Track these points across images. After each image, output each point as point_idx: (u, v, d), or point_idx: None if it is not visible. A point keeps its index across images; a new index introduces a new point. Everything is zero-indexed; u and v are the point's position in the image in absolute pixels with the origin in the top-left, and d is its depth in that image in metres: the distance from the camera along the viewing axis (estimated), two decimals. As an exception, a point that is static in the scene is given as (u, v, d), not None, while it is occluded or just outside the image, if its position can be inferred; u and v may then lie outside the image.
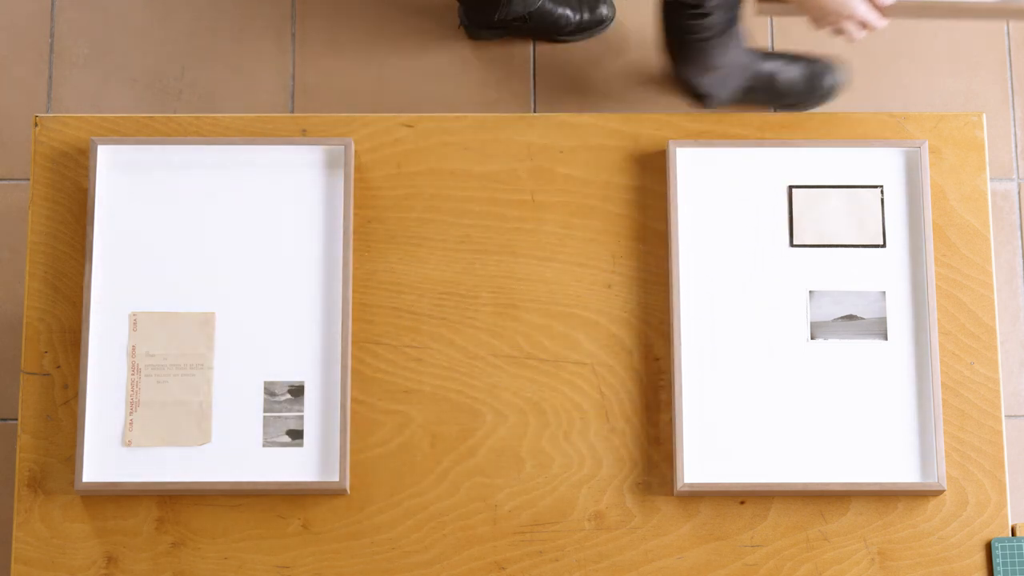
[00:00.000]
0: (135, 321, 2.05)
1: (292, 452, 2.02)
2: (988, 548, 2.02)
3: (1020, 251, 2.76)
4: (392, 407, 2.06)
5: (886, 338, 2.06)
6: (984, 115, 2.15)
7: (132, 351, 2.05)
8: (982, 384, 2.06)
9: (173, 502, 2.03)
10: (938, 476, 2.01)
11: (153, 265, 2.07)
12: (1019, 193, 2.79)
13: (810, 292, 2.08)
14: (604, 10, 2.80)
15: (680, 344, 2.05)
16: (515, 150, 2.13)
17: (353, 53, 2.82)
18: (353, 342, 2.06)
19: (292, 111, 2.79)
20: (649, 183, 2.11)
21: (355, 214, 2.10)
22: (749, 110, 2.71)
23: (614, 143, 2.13)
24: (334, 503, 2.03)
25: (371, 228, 2.10)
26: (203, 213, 2.08)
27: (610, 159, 2.13)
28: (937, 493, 2.03)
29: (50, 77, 2.81)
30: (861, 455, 2.03)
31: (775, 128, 2.14)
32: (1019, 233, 2.77)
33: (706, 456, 2.03)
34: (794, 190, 2.10)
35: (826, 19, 2.03)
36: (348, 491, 2.02)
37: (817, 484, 2.01)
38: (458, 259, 2.10)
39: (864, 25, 2.05)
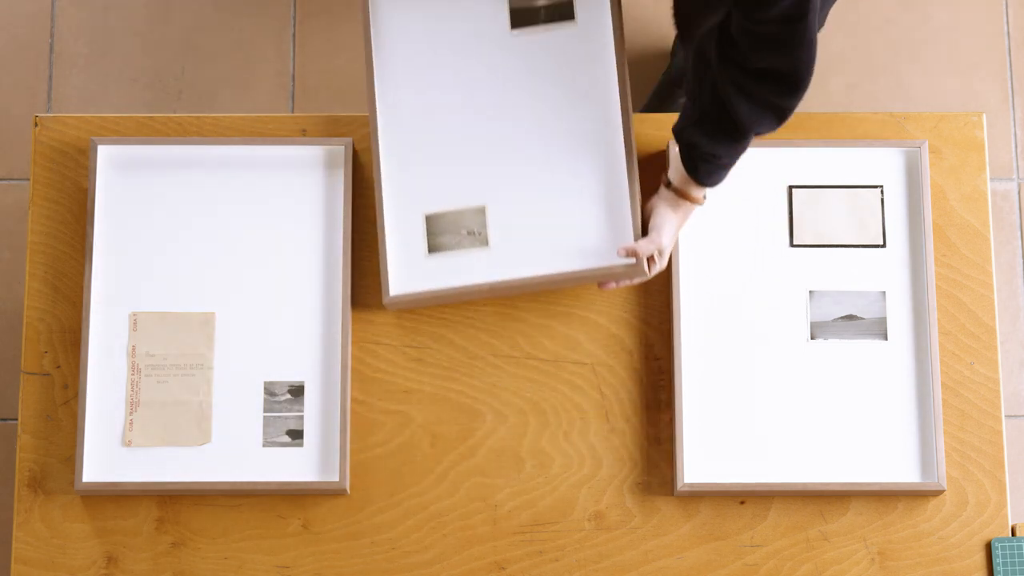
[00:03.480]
0: (135, 321, 2.05)
1: (292, 452, 2.02)
2: (988, 548, 2.02)
3: (1020, 251, 2.76)
4: (392, 407, 2.06)
5: (886, 338, 2.06)
6: (984, 115, 2.15)
7: (132, 351, 2.05)
8: (982, 384, 2.06)
9: (173, 502, 2.03)
10: (938, 476, 2.01)
11: (153, 265, 2.07)
12: (1019, 193, 2.79)
13: (810, 292, 2.08)
14: None
15: (680, 344, 2.05)
16: (515, 150, 2.13)
17: (353, 53, 2.82)
18: (353, 342, 2.06)
19: (292, 111, 2.79)
20: (649, 183, 2.11)
21: (355, 214, 2.10)
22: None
23: (614, 143, 2.13)
24: (334, 503, 2.03)
25: (371, 228, 2.10)
26: (203, 213, 2.08)
27: (610, 159, 2.13)
28: (937, 493, 2.03)
29: (50, 77, 2.81)
30: (861, 455, 2.03)
31: (775, 128, 2.14)
32: (1019, 233, 2.77)
33: (706, 456, 2.03)
34: (794, 190, 2.10)
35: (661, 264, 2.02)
36: (348, 491, 2.02)
37: (817, 484, 2.01)
38: (458, 259, 2.10)
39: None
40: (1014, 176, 2.80)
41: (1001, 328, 2.71)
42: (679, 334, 2.05)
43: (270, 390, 2.04)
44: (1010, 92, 2.82)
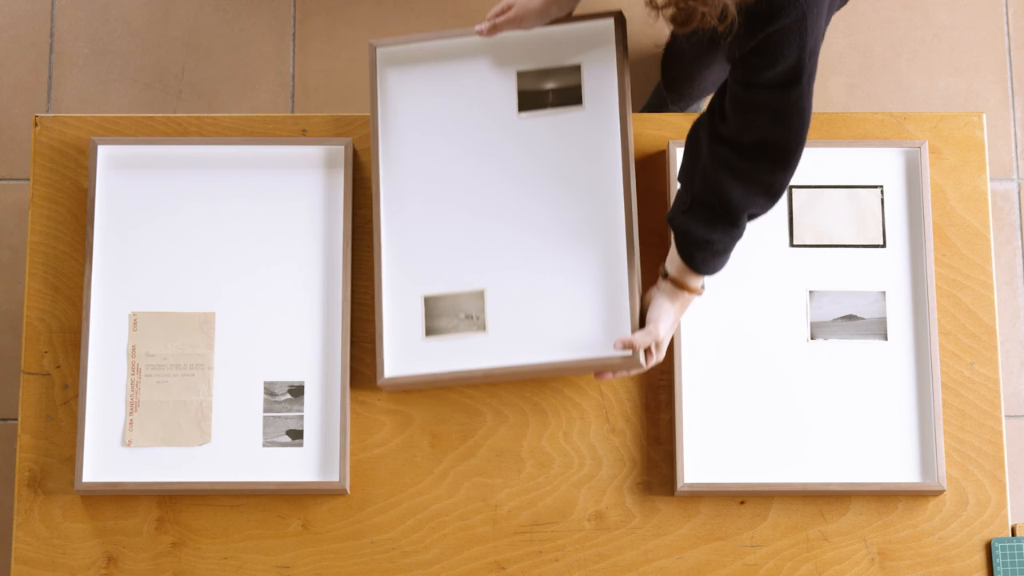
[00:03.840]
0: (135, 321, 2.05)
1: (292, 452, 2.02)
2: (988, 548, 2.02)
3: (1020, 251, 2.76)
4: (392, 407, 2.06)
5: (886, 338, 2.06)
6: (984, 115, 2.15)
7: (132, 351, 2.05)
8: (982, 384, 2.06)
9: (173, 502, 2.03)
10: (938, 476, 2.01)
11: (153, 265, 2.07)
12: (1019, 193, 2.79)
13: (810, 292, 2.08)
14: None
15: (680, 344, 2.05)
16: (515, 150, 2.13)
17: (353, 53, 2.82)
18: (353, 342, 2.06)
19: (292, 111, 2.79)
20: (649, 183, 2.11)
21: (355, 214, 2.10)
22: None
23: (614, 143, 2.13)
24: (334, 503, 2.03)
25: (371, 228, 2.10)
26: (203, 212, 2.08)
27: (610, 159, 2.12)
28: (937, 493, 2.02)
29: (50, 77, 2.81)
30: (861, 455, 2.03)
31: (775, 128, 2.13)
32: (1019, 233, 2.77)
33: (706, 456, 2.03)
34: (794, 190, 2.10)
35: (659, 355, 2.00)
36: (348, 491, 2.02)
37: (817, 484, 2.01)
38: (458, 259, 2.10)
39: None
40: (1014, 176, 2.80)
41: (1001, 328, 2.71)
42: (679, 334, 2.05)
43: (270, 390, 2.04)
44: (1010, 92, 2.82)
